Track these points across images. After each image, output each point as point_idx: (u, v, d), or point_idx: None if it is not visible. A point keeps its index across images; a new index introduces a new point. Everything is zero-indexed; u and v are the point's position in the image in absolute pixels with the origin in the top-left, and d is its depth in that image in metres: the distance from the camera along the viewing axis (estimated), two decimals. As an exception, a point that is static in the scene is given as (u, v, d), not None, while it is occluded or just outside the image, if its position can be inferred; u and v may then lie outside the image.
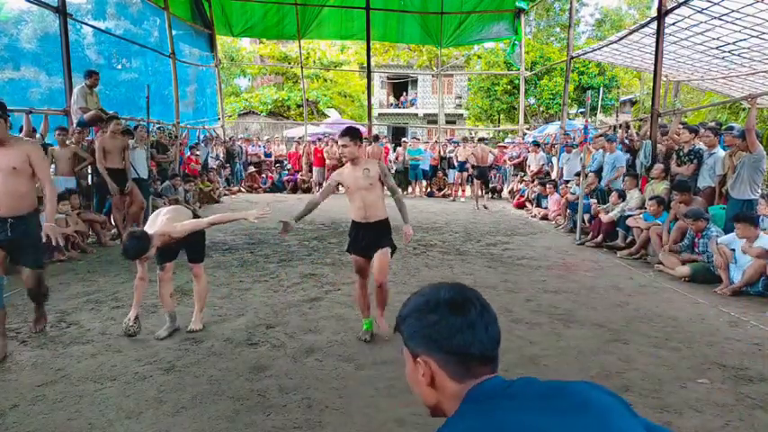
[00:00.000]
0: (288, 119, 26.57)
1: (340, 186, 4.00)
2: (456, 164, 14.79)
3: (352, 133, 3.83)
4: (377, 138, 15.48)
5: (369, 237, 3.89)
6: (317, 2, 16.06)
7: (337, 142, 4.13)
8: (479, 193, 12.68)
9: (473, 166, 12.76)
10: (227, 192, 14.25)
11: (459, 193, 14.89)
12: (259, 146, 17.84)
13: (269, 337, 3.99)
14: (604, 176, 9.07)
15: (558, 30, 27.96)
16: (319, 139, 16.89)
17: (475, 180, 12.87)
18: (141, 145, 8.57)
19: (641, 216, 7.21)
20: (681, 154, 7.48)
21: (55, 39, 8.63)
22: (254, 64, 28.45)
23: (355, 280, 4.09)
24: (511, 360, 3.55)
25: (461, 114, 30.77)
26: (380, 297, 3.97)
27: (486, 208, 12.28)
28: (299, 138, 18.13)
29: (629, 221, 7.35)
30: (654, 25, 8.93)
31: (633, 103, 26.59)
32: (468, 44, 21.21)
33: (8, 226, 3.60)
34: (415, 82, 33.02)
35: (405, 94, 33.54)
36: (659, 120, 8.70)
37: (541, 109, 23.82)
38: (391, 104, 33.54)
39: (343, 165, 4.05)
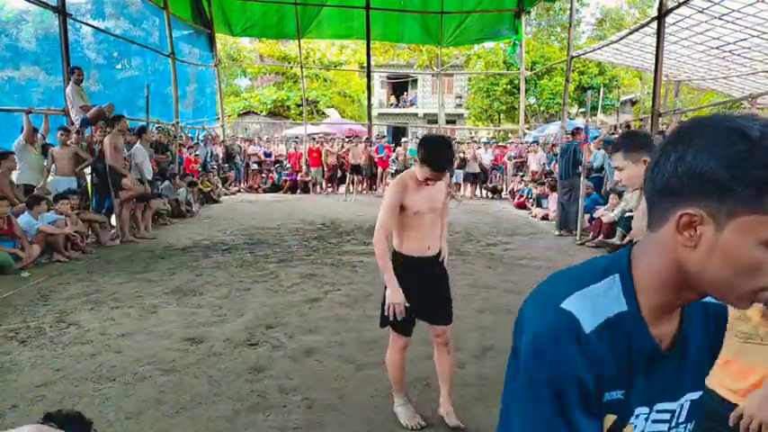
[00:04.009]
0: (288, 119, 26.55)
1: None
2: None
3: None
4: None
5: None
6: (316, 1, 16.04)
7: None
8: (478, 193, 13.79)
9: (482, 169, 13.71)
10: (226, 192, 14.25)
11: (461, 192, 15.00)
12: (259, 146, 17.83)
13: (269, 337, 3.98)
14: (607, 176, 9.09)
15: (558, 29, 27.98)
16: (313, 139, 16.85)
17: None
18: (146, 146, 8.60)
19: None
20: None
21: (54, 38, 8.63)
22: (254, 63, 28.43)
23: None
24: (511, 360, 3.53)
25: (461, 114, 30.77)
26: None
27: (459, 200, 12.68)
28: (300, 137, 18.12)
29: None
30: (654, 25, 8.90)
31: (634, 102, 26.57)
32: (469, 44, 21.18)
33: None
34: (415, 82, 32.97)
35: (405, 93, 33.52)
36: (659, 120, 8.69)
37: (542, 109, 23.83)
38: (391, 104, 33.50)
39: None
